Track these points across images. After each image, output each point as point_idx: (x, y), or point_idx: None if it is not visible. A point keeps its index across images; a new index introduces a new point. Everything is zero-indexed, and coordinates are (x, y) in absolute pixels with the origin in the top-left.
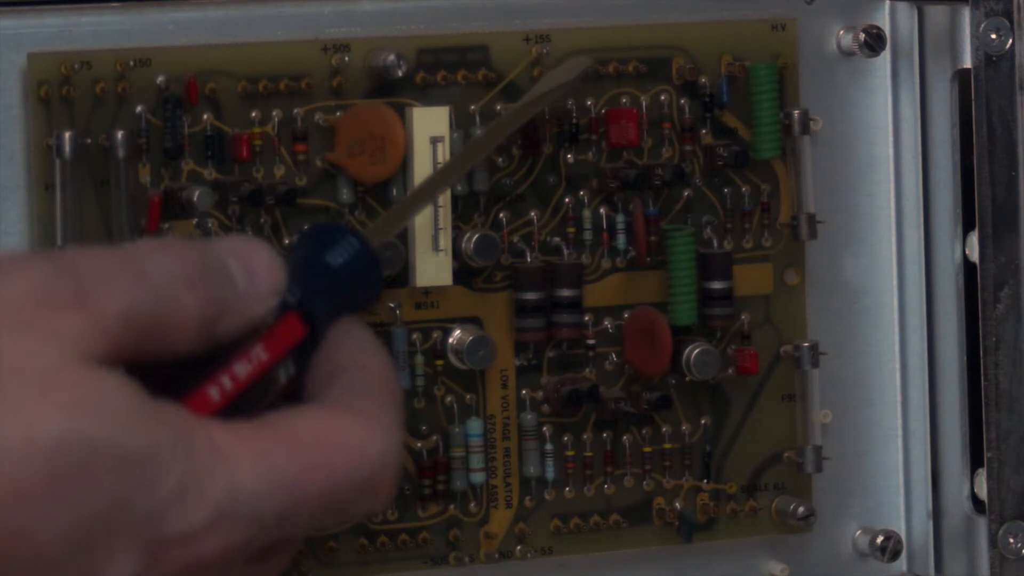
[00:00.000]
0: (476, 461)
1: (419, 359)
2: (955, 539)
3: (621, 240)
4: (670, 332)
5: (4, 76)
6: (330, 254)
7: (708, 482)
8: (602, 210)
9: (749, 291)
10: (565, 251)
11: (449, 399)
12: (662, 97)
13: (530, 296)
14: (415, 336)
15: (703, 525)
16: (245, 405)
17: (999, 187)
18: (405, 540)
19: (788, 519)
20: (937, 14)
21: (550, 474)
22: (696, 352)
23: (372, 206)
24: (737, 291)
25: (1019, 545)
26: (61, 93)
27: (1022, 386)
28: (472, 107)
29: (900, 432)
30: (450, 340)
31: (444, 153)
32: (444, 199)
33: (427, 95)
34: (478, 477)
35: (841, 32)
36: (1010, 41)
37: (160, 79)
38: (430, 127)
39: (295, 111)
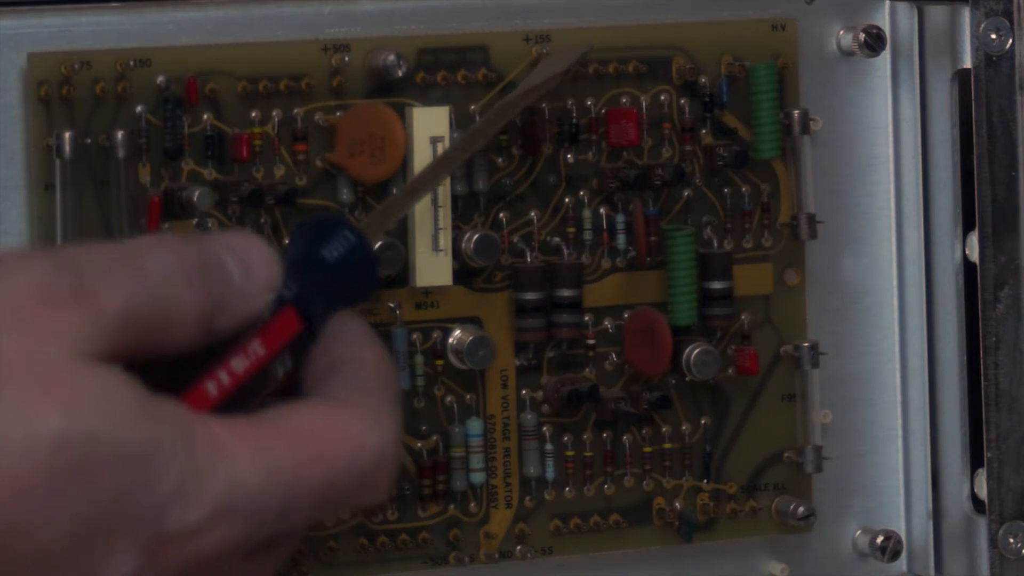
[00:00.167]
0: (476, 461)
1: (419, 359)
2: (955, 539)
3: (621, 240)
4: (670, 332)
5: (4, 76)
6: (326, 248)
7: (708, 482)
8: (602, 210)
9: (749, 291)
10: (565, 251)
11: (449, 399)
12: (662, 97)
13: (530, 296)
14: (415, 336)
15: (703, 525)
16: (243, 400)
17: (999, 187)
18: (405, 540)
19: (788, 519)
20: (937, 14)
21: (550, 474)
22: (696, 352)
23: (372, 206)
24: (737, 291)
25: (1019, 545)
26: (61, 93)
27: (1022, 386)
28: (472, 107)
29: (900, 432)
30: (450, 340)
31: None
32: (444, 199)
33: (427, 95)
34: (478, 477)
35: (841, 32)
36: (1010, 41)
37: (160, 79)
38: (430, 127)
39: (295, 111)
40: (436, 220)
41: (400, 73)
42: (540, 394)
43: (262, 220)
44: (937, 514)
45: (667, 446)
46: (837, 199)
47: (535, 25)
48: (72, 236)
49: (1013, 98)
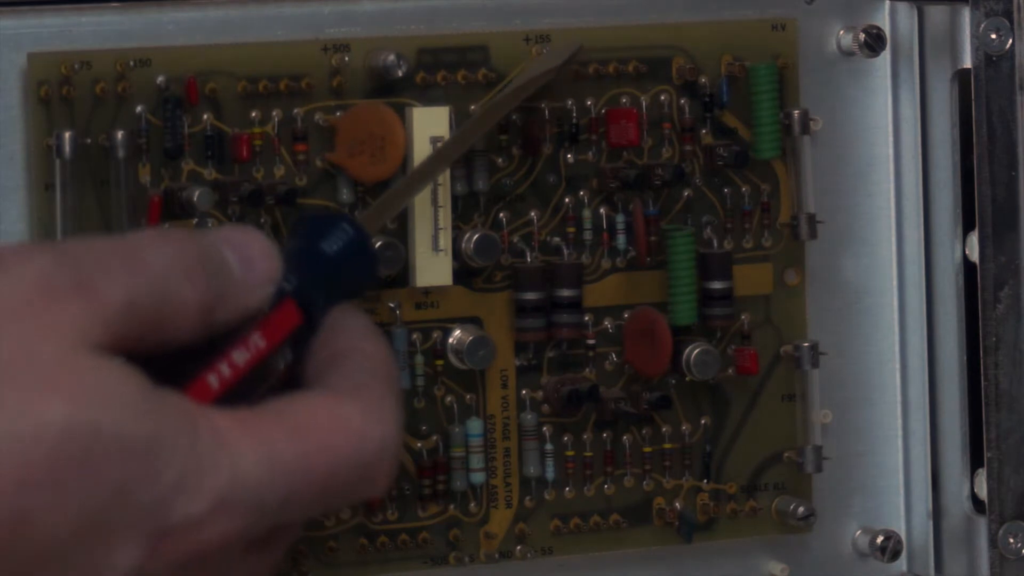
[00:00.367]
0: (476, 461)
1: (419, 359)
2: (955, 539)
3: (621, 240)
4: (670, 332)
5: (4, 76)
6: (325, 242)
7: (708, 482)
8: (602, 210)
9: (749, 291)
10: (565, 251)
11: (449, 399)
12: (662, 97)
13: (530, 296)
14: (415, 336)
15: (703, 525)
16: (244, 392)
17: (999, 187)
18: (405, 540)
19: (788, 519)
20: (937, 14)
21: (550, 474)
22: (696, 352)
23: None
24: (737, 291)
25: (1019, 545)
26: (61, 93)
27: (1022, 386)
28: (472, 107)
29: (900, 432)
30: (450, 340)
31: None
32: (444, 199)
33: (427, 95)
34: (478, 477)
35: (841, 32)
36: (1010, 41)
37: (160, 79)
38: (430, 127)
39: (295, 111)
40: (436, 220)
41: (400, 73)
42: (540, 394)
43: (262, 220)
44: (937, 514)
45: (667, 446)
46: (837, 199)
47: (535, 25)
48: (72, 236)
49: (1013, 98)
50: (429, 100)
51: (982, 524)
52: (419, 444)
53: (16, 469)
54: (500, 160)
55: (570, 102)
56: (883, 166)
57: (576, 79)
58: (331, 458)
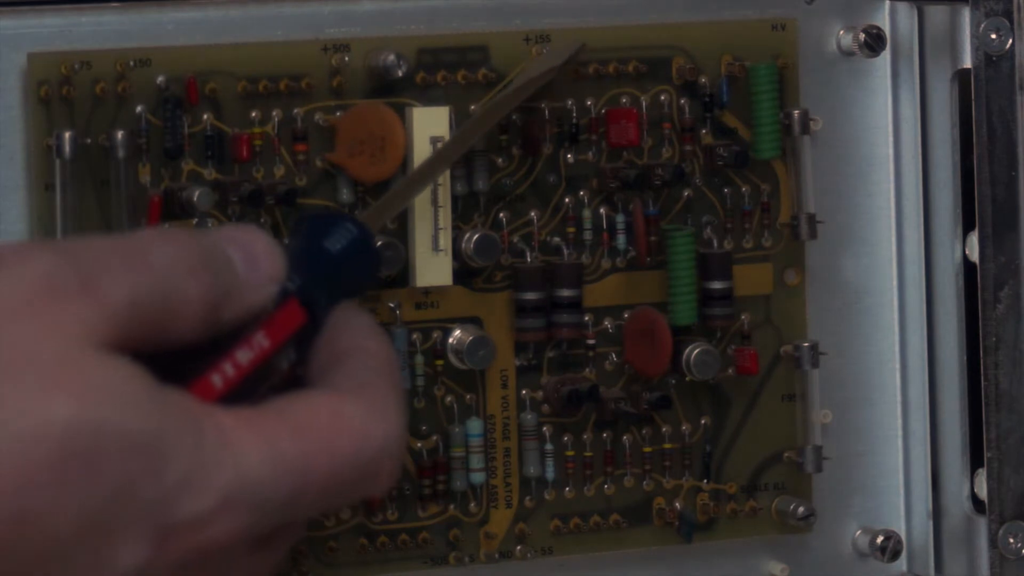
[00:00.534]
0: (476, 461)
1: (419, 359)
2: (955, 539)
3: (621, 240)
4: (670, 332)
5: (4, 76)
6: (328, 240)
7: (708, 482)
8: (602, 210)
9: (749, 291)
10: (565, 251)
11: (449, 399)
12: (662, 97)
13: (530, 296)
14: (415, 336)
15: (703, 525)
16: (247, 392)
17: (999, 187)
18: (405, 540)
19: (788, 519)
20: (937, 14)
21: (550, 474)
22: (696, 352)
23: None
24: (737, 291)
25: (1019, 545)
26: (61, 93)
27: (1022, 386)
28: (472, 107)
29: (900, 432)
30: (450, 340)
31: None
32: (444, 199)
33: (427, 95)
34: (478, 477)
35: (841, 32)
36: (1010, 41)
37: (160, 79)
38: (430, 127)
39: (295, 111)
40: (436, 220)
41: (400, 73)
42: (540, 394)
43: (262, 220)
44: (937, 514)
45: (667, 446)
46: (837, 199)
47: (535, 25)
48: (72, 236)
49: (1013, 98)
50: (429, 100)
51: (982, 524)
52: (419, 444)
53: (18, 468)
54: (500, 160)
55: (570, 102)
56: (883, 166)
57: (576, 79)
58: (334, 457)
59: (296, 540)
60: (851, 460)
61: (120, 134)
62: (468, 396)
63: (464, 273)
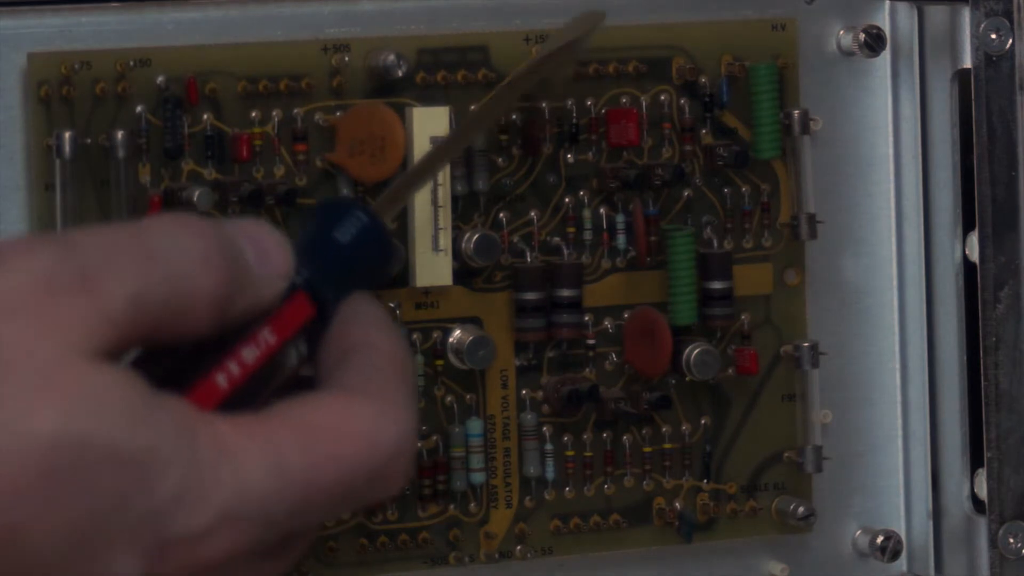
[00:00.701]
0: (476, 461)
1: (419, 359)
2: (955, 539)
3: (621, 240)
4: (670, 332)
5: (4, 76)
6: (337, 230)
7: (708, 482)
8: (602, 210)
9: (749, 291)
10: (565, 251)
11: (449, 399)
12: (662, 97)
13: (530, 296)
14: (415, 336)
15: (703, 525)
16: (254, 391)
17: (999, 187)
18: (405, 540)
19: (788, 519)
20: (937, 14)
21: (550, 474)
22: (696, 352)
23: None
24: (737, 291)
25: (1019, 545)
26: (61, 93)
27: (1022, 386)
28: (472, 107)
29: (900, 432)
30: (450, 340)
31: None
32: (444, 199)
33: (427, 95)
34: (478, 477)
35: (841, 32)
36: (1010, 41)
37: (160, 79)
38: (430, 127)
39: (295, 111)
40: (436, 220)
41: (400, 73)
42: (540, 394)
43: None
44: (937, 514)
45: (667, 446)
46: (837, 199)
47: (535, 25)
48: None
49: (1013, 98)
50: (429, 100)
51: (982, 524)
52: (419, 444)
53: (5, 478)
54: (500, 160)
55: (570, 102)
56: (883, 166)
57: (576, 79)
58: (342, 464)
59: (308, 546)
60: (851, 460)
61: (120, 134)
62: (468, 396)
63: (464, 273)
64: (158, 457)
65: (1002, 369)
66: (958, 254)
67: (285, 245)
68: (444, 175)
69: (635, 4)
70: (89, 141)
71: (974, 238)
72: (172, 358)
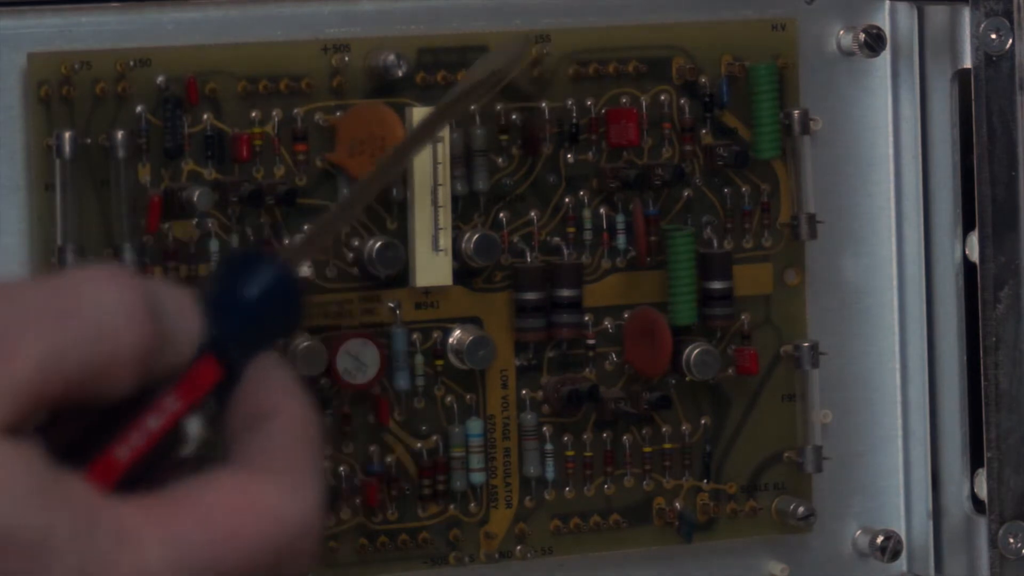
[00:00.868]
0: (476, 461)
1: (419, 359)
2: (955, 539)
3: (621, 240)
4: (670, 332)
5: (4, 76)
6: (244, 284)
7: (708, 482)
8: (602, 210)
9: (749, 291)
10: (565, 251)
11: (449, 399)
12: (662, 97)
13: (530, 296)
14: (415, 336)
15: (703, 525)
16: (157, 461)
17: (999, 187)
18: (405, 540)
19: (788, 519)
20: (937, 14)
21: (550, 474)
22: (696, 352)
23: (372, 206)
24: (737, 291)
25: (1019, 545)
26: (61, 93)
27: (1022, 386)
28: (472, 107)
29: (900, 432)
30: (450, 340)
31: (444, 153)
32: (444, 199)
33: (427, 95)
34: (478, 477)
35: (841, 32)
36: (1010, 41)
37: (160, 79)
38: None
39: (295, 111)
40: (436, 220)
41: (400, 73)
42: (540, 394)
43: (262, 220)
44: (937, 514)
45: (667, 446)
46: (837, 199)
47: (535, 25)
48: (72, 236)
49: (1013, 98)
50: (429, 100)
51: (982, 524)
52: (419, 444)
53: None
54: (500, 160)
55: (570, 102)
56: (883, 166)
57: (576, 79)
58: (247, 545)
59: None
60: (851, 460)
61: (120, 134)
62: (468, 396)
63: (464, 273)
64: (54, 543)
65: (1002, 369)
66: (958, 254)
67: (195, 302)
68: (445, 175)
69: (635, 4)
70: (89, 141)
71: (974, 238)
72: (79, 424)
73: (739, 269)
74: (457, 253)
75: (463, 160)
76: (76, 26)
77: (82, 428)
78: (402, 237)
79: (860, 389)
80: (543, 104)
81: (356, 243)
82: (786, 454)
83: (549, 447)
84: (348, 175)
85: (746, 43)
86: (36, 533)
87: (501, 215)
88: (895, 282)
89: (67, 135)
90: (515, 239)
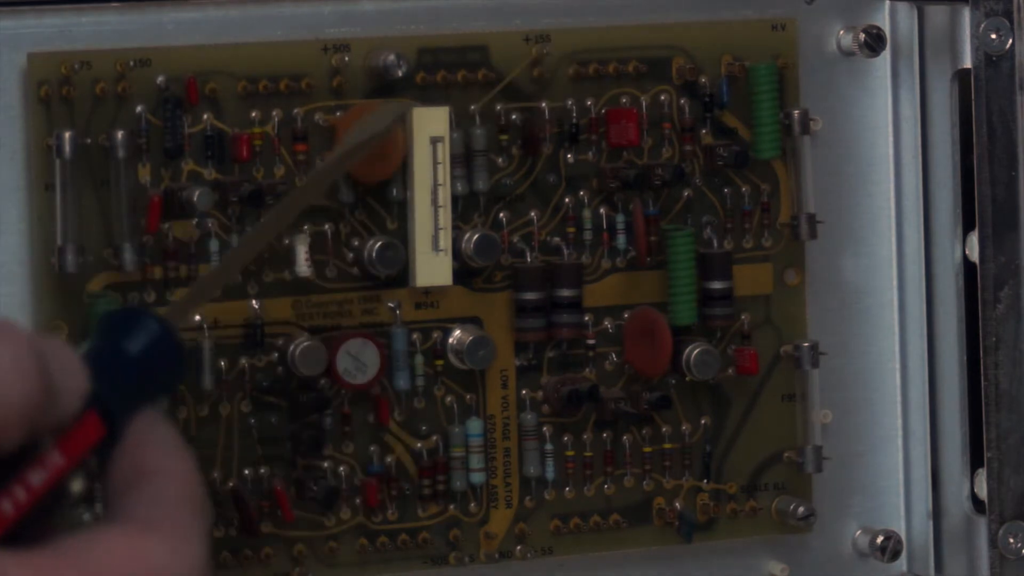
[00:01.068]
0: (476, 461)
1: (419, 359)
2: (955, 539)
3: (621, 240)
4: (670, 332)
5: (4, 76)
6: (127, 341)
7: (708, 482)
8: (602, 210)
9: (749, 291)
10: (565, 251)
11: (449, 399)
12: (662, 97)
13: (530, 296)
14: (415, 336)
15: (703, 525)
16: (40, 516)
17: (999, 187)
18: (405, 540)
19: (788, 519)
20: (937, 14)
21: (550, 474)
22: (696, 352)
23: (372, 206)
24: (737, 291)
25: (1019, 545)
26: (61, 93)
27: (1022, 386)
28: (472, 107)
29: (900, 432)
30: (450, 340)
31: (444, 153)
32: (444, 199)
33: (427, 95)
34: (478, 477)
35: (841, 32)
36: (1010, 41)
37: (160, 79)
38: (430, 127)
39: (295, 111)
40: (436, 220)
41: (400, 73)
42: (540, 394)
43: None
44: (937, 514)
45: (667, 446)
46: (837, 199)
47: (535, 25)
48: (72, 236)
49: (1013, 98)
50: (429, 100)
51: (982, 524)
52: (419, 444)
53: None
54: (500, 160)
55: (570, 102)
56: (883, 166)
57: (576, 79)
58: None
59: None
60: (851, 460)
61: (120, 134)
62: (468, 396)
63: (464, 273)
64: None
65: (1002, 369)
66: (958, 254)
67: (79, 359)
68: (445, 175)
69: (635, 4)
70: (89, 141)
71: (974, 238)
72: None
73: (739, 269)
74: (457, 253)
75: (463, 160)
76: (76, 26)
77: None
78: (402, 237)
79: (860, 389)
80: (543, 104)
81: (356, 243)
82: (786, 454)
83: (549, 447)
84: (348, 175)
85: (746, 43)
86: None
87: (501, 215)
88: (895, 282)
89: (67, 135)
90: (515, 239)
